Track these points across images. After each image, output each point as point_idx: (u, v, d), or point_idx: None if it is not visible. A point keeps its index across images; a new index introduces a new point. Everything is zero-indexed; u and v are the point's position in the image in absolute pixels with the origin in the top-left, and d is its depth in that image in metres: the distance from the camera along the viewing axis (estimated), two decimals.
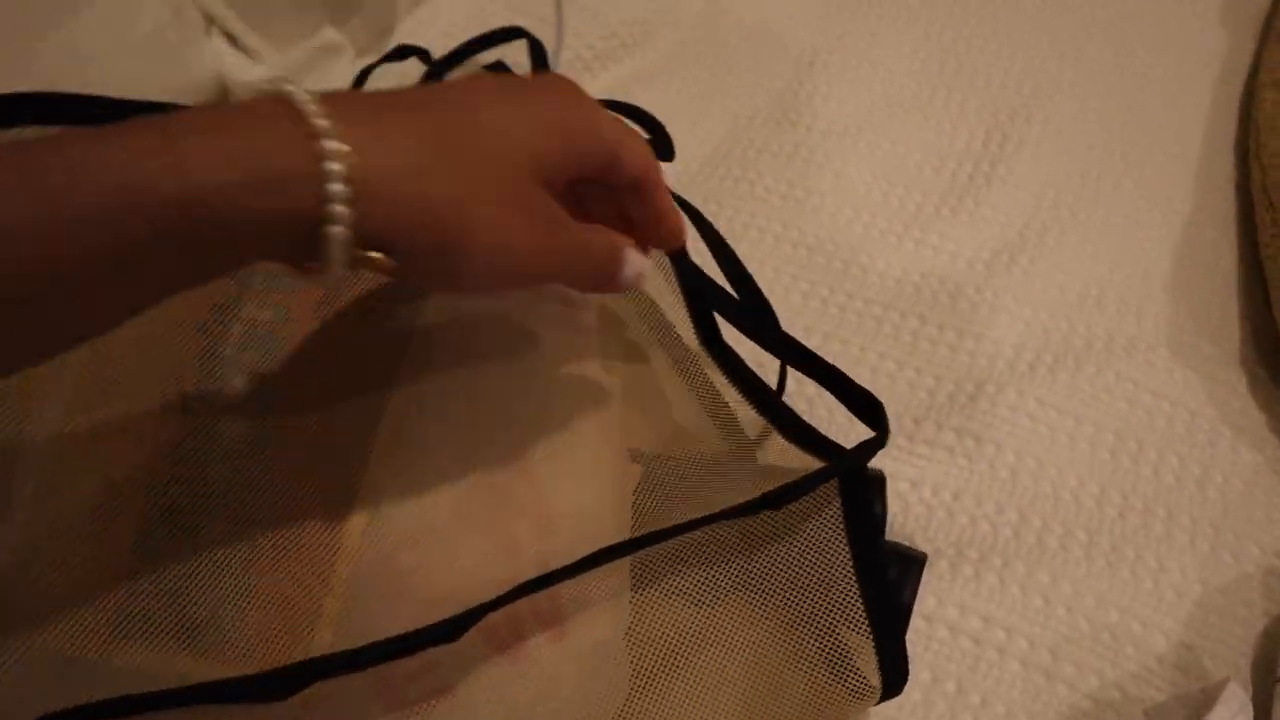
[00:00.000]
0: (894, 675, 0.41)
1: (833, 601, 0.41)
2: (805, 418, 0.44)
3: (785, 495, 0.39)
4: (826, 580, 0.41)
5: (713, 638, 0.42)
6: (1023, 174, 0.65)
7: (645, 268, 0.36)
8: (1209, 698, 0.43)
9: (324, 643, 0.32)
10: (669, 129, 0.67)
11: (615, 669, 0.40)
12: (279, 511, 0.37)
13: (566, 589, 0.37)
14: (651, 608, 0.42)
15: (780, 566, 0.42)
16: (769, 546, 0.42)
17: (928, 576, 0.49)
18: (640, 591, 0.41)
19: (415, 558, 0.37)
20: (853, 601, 0.41)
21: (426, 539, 0.38)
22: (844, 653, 0.41)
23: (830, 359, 0.56)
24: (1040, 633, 0.48)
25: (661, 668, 0.41)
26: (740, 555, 0.42)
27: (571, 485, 0.41)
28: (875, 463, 0.53)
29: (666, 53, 0.72)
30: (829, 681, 0.42)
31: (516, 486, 0.40)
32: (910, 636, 0.48)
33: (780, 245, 0.62)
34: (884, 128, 0.68)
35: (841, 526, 0.42)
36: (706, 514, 0.38)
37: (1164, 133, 0.68)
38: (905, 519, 0.52)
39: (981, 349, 0.57)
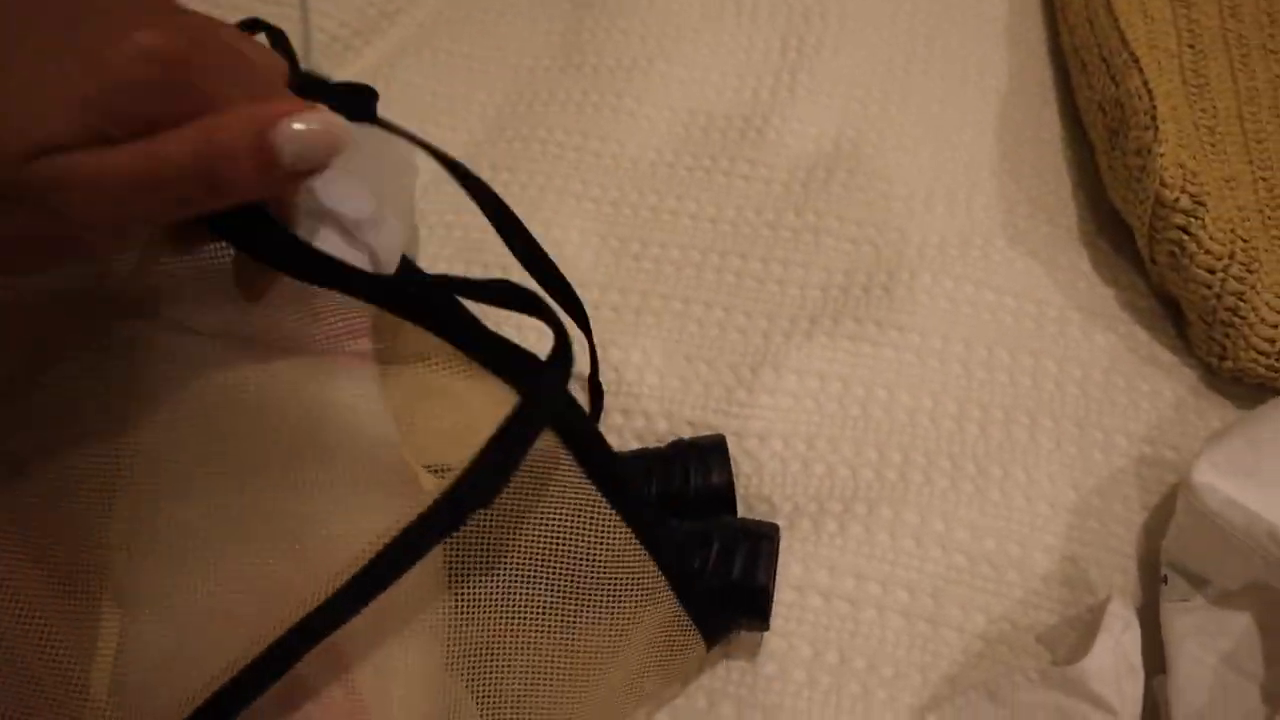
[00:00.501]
0: (711, 624, 0.39)
1: (617, 569, 0.37)
2: None
3: (480, 480, 0.31)
4: (593, 542, 0.36)
5: (529, 637, 0.37)
6: (827, 78, 0.60)
7: (332, 127, 0.29)
8: (1095, 618, 0.40)
9: None
10: (446, 95, 0.61)
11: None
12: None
13: (361, 671, 0.32)
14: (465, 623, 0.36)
15: (546, 550, 0.36)
16: (524, 529, 0.36)
17: (790, 540, 0.46)
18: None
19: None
20: (636, 560, 0.37)
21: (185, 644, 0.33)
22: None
23: (653, 317, 0.52)
24: (917, 578, 0.45)
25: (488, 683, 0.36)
26: (509, 550, 0.36)
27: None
28: (713, 421, 0.49)
29: (430, 16, 0.66)
30: (653, 649, 0.39)
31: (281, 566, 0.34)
32: (781, 610, 0.44)
33: (582, 204, 0.56)
34: (674, 54, 0.62)
35: (586, 483, 0.36)
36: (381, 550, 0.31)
37: (966, 4, 0.64)
38: (760, 479, 0.48)
39: (811, 279, 0.53)
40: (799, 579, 0.45)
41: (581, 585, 0.36)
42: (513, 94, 0.62)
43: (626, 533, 0.36)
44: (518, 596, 0.36)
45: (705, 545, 0.41)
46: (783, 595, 0.44)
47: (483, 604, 0.36)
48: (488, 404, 0.41)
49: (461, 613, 0.36)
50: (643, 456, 0.47)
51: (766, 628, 0.41)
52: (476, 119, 0.61)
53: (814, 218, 0.55)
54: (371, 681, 0.33)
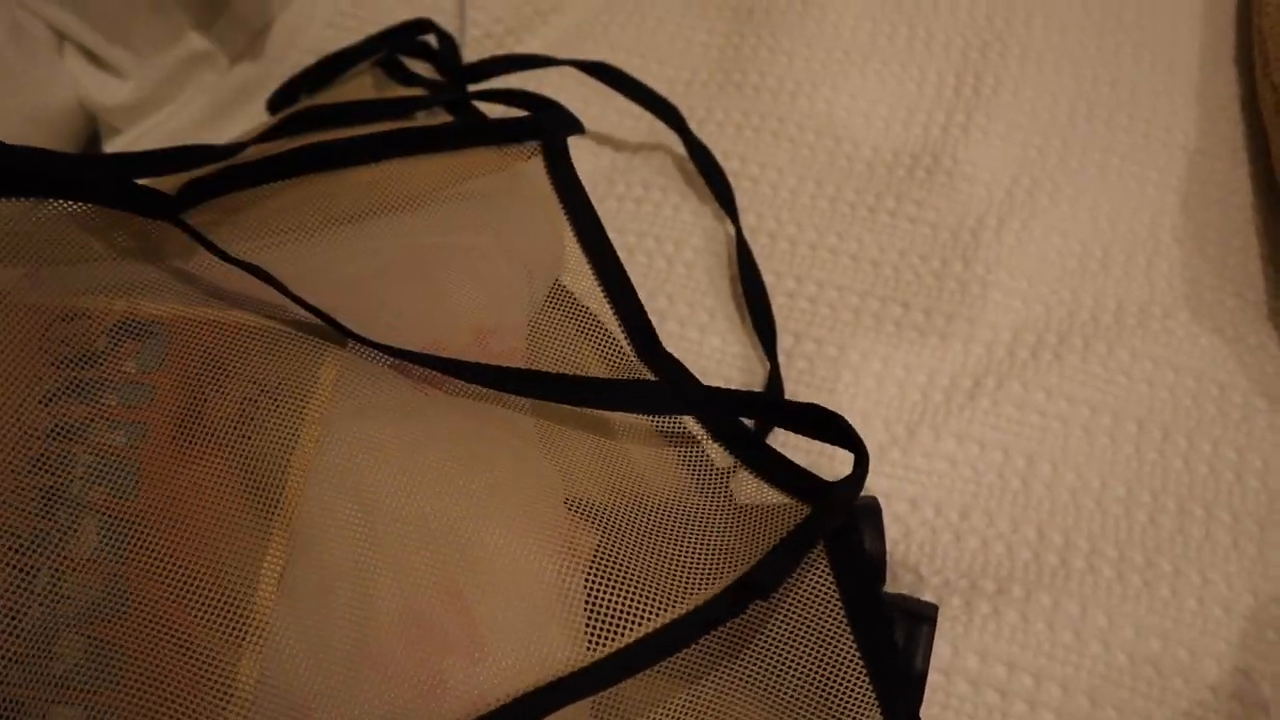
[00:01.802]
0: None
1: (830, 673, 0.35)
2: None
3: (770, 576, 0.34)
4: (820, 649, 0.35)
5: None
6: (1003, 120, 0.57)
7: None
8: None
9: None
10: (594, 104, 0.59)
11: None
12: (152, 674, 0.30)
13: None
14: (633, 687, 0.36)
15: (765, 638, 0.36)
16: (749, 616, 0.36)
17: (940, 618, 0.43)
18: None
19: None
20: (854, 672, 0.35)
21: (330, 689, 0.32)
22: None
23: (805, 362, 0.50)
24: (1074, 675, 0.42)
25: None
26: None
27: (500, 586, 0.34)
28: (865, 484, 0.47)
29: (585, 18, 0.64)
30: None
31: (433, 607, 0.33)
32: (927, 696, 0.41)
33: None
34: (840, 81, 0.59)
35: (832, 587, 0.36)
36: (677, 619, 0.33)
37: (1156, 51, 0.60)
38: (907, 547, 0.45)
39: (976, 336, 0.50)
40: (947, 663, 0.42)
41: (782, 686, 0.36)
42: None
43: (859, 664, 0.35)
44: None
45: None
46: (929, 678, 0.42)
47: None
48: (652, 462, 0.41)
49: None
50: None
51: (916, 718, 0.39)
52: (628, 132, 0.59)
53: (983, 270, 0.52)
54: None
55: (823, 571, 0.35)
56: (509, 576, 0.34)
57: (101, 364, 0.33)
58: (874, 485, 0.46)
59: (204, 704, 0.31)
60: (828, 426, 0.39)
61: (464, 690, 0.32)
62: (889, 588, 0.44)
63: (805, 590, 0.36)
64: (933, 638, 0.39)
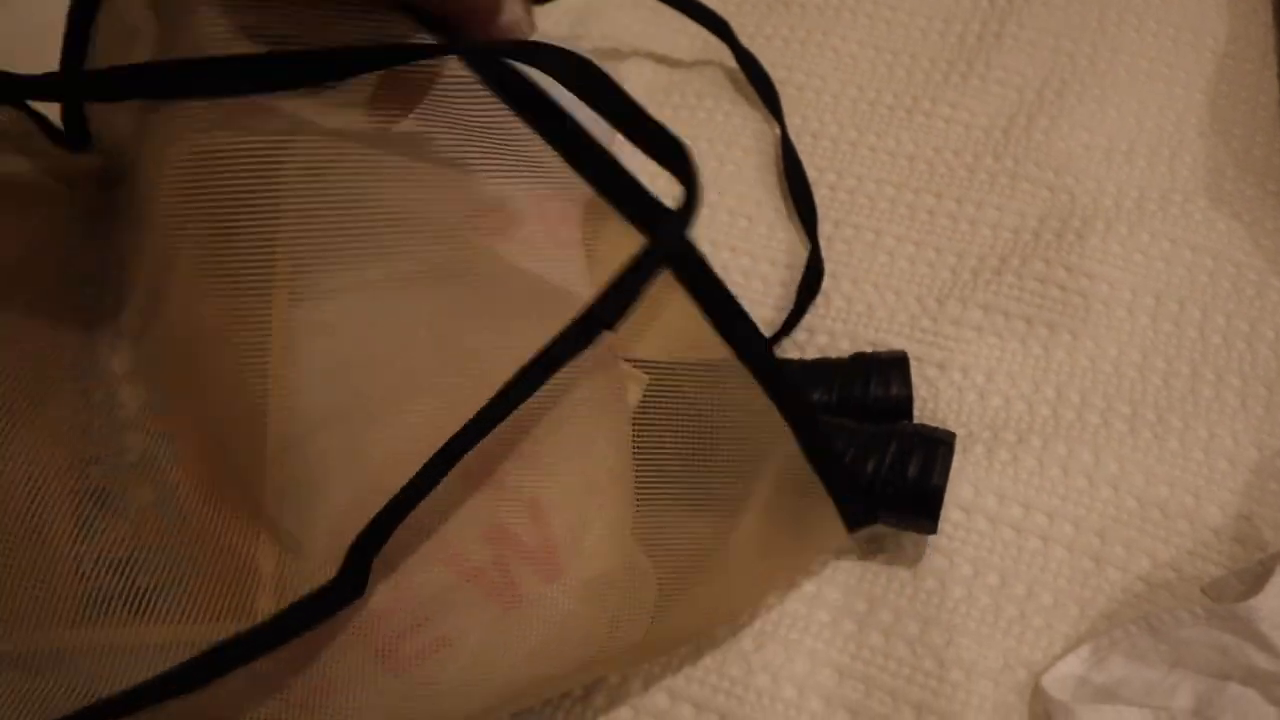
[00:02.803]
0: (854, 511, 0.40)
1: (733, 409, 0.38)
2: None
3: (610, 306, 0.33)
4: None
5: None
6: (1035, 26, 0.60)
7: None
8: (1266, 569, 0.40)
9: (268, 576, 0.31)
10: (648, 34, 0.63)
11: (633, 591, 0.38)
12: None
13: (556, 519, 0.35)
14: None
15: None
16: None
17: (962, 463, 0.47)
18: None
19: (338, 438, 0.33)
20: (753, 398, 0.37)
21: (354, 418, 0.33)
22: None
23: (844, 245, 0.54)
24: (1085, 515, 0.45)
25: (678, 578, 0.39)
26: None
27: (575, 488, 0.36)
28: (895, 345, 0.51)
29: None
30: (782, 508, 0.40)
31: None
32: (947, 529, 0.46)
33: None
34: None
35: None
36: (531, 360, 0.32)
37: None
38: (935, 404, 0.49)
39: (1004, 222, 0.54)
40: (967, 501, 0.46)
41: (705, 429, 0.38)
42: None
43: (742, 371, 0.36)
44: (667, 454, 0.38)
45: (882, 445, 0.43)
46: (949, 514, 0.46)
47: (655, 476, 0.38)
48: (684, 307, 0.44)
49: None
50: (824, 365, 0.49)
51: (934, 531, 0.43)
52: (684, 51, 0.63)
53: (1012, 163, 0.55)
54: (564, 531, 0.36)
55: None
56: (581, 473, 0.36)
57: None
58: (906, 350, 0.50)
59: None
60: (655, 141, 0.34)
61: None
62: None
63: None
64: (950, 459, 0.43)
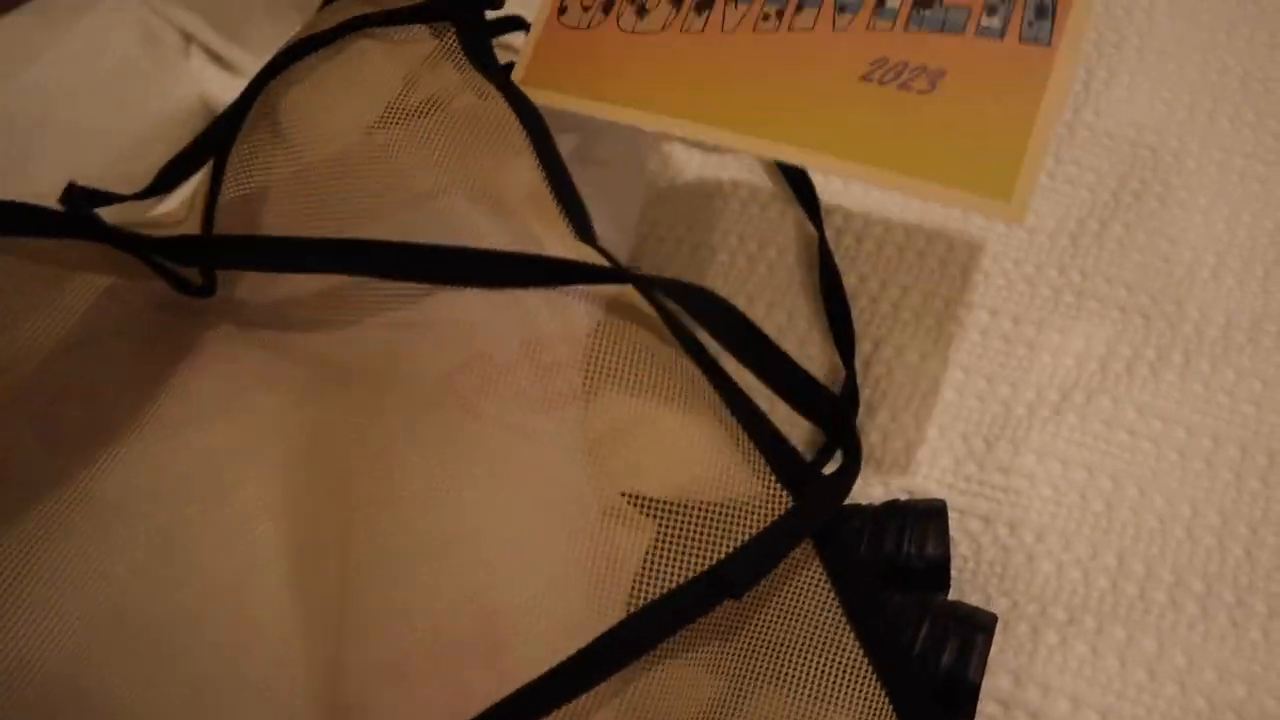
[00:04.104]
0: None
1: (838, 678, 0.34)
2: None
3: (744, 574, 0.32)
4: (826, 654, 0.34)
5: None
6: (1113, 117, 0.53)
7: None
8: None
9: None
10: None
11: None
12: None
13: None
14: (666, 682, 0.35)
15: (770, 644, 0.35)
16: (753, 619, 0.35)
17: (1002, 644, 0.41)
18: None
19: None
20: (863, 677, 0.34)
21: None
22: None
23: (883, 368, 0.48)
24: (1145, 717, 0.39)
25: None
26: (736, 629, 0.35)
27: (519, 570, 0.34)
28: (935, 493, 0.45)
29: None
30: None
31: (457, 614, 0.33)
32: None
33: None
34: None
35: (829, 592, 0.35)
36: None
37: None
38: (977, 565, 0.44)
39: (1067, 347, 0.47)
40: (1006, 693, 0.40)
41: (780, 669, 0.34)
42: None
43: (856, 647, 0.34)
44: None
45: (913, 624, 0.37)
46: (984, 707, 0.40)
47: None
48: (706, 451, 0.40)
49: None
50: (851, 513, 0.44)
51: None
52: None
53: (1079, 277, 0.49)
54: None
55: (815, 574, 0.34)
56: (522, 546, 0.34)
57: None
58: (947, 500, 0.44)
59: None
60: (814, 400, 0.35)
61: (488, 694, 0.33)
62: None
63: (795, 594, 0.34)
64: (989, 647, 0.37)
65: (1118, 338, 0.47)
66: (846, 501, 0.44)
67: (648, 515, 0.38)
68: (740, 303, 0.51)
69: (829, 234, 0.52)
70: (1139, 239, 0.50)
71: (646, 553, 0.38)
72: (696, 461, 0.45)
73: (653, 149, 0.57)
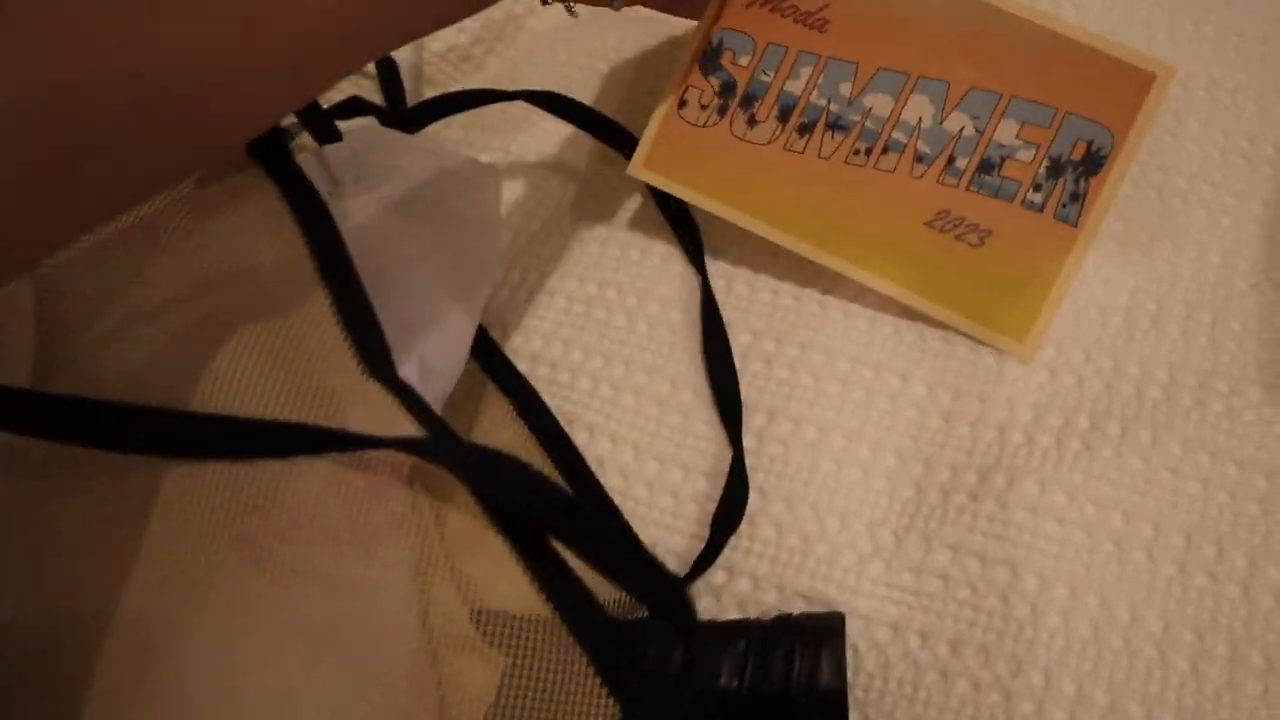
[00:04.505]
0: None
1: None
2: None
3: None
4: None
5: None
6: None
7: None
8: None
9: None
10: (553, 131, 0.51)
11: None
12: None
13: None
14: None
15: None
16: None
17: None
18: None
19: None
20: None
21: None
22: None
23: (779, 447, 0.42)
24: None
25: None
26: None
27: None
28: (834, 598, 0.39)
29: (565, 20, 0.56)
30: None
31: None
32: None
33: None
34: None
35: None
36: None
37: (1247, 35, 0.49)
38: (884, 684, 0.37)
39: (988, 417, 0.41)
40: None
41: None
42: None
43: None
44: None
45: None
46: None
47: None
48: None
49: None
50: (738, 630, 0.38)
51: None
52: (591, 160, 0.51)
53: None
54: None
55: None
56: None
57: None
58: (850, 605, 0.38)
59: None
60: (642, 577, 0.31)
61: None
62: None
63: None
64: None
65: (1046, 404, 0.41)
66: (729, 618, 0.39)
67: (498, 643, 0.33)
68: (617, 369, 0.44)
69: (718, 282, 0.46)
70: (1073, 289, 0.43)
71: (502, 681, 0.32)
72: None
73: (519, 186, 0.50)
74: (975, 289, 0.41)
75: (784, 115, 0.43)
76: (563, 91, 0.49)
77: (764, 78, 0.43)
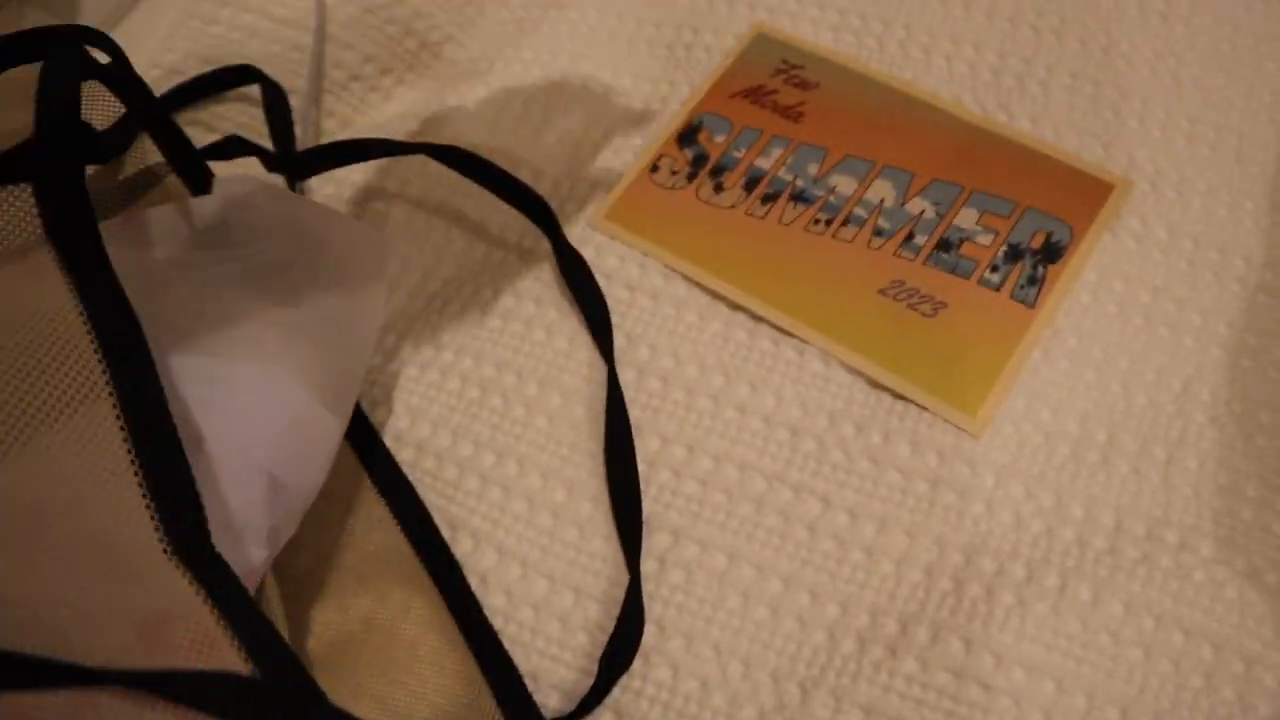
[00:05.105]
0: None
1: None
2: None
3: None
4: None
5: None
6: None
7: None
8: None
9: None
10: (457, 189, 0.46)
11: None
12: None
13: None
14: None
15: None
16: None
17: None
18: None
19: None
20: None
21: None
22: None
23: (682, 574, 0.37)
24: None
25: None
26: None
27: None
28: None
29: (484, 48, 0.50)
30: None
31: None
32: None
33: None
34: None
35: None
36: None
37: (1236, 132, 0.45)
38: None
39: (914, 557, 0.37)
40: None
41: None
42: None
43: None
44: None
45: None
46: None
47: None
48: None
49: None
50: None
51: None
52: (504, 226, 0.46)
53: (936, 462, 0.38)
54: None
55: None
56: None
57: None
58: None
59: None
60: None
61: None
62: None
63: None
64: None
65: (980, 545, 0.37)
66: None
67: None
68: (509, 468, 0.40)
69: (628, 374, 0.41)
70: (1015, 409, 0.39)
71: None
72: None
73: (419, 239, 0.45)
74: (927, 359, 0.40)
75: (750, 185, 0.44)
76: (473, 138, 0.44)
77: (736, 154, 0.45)
